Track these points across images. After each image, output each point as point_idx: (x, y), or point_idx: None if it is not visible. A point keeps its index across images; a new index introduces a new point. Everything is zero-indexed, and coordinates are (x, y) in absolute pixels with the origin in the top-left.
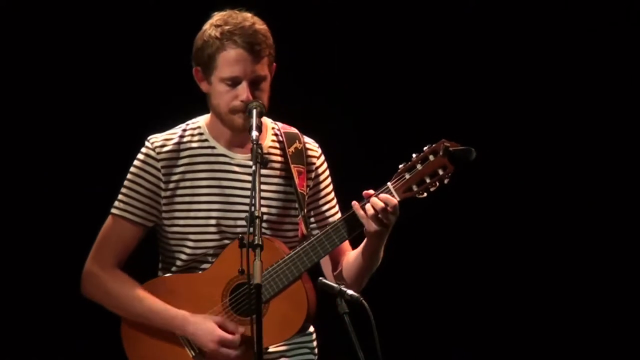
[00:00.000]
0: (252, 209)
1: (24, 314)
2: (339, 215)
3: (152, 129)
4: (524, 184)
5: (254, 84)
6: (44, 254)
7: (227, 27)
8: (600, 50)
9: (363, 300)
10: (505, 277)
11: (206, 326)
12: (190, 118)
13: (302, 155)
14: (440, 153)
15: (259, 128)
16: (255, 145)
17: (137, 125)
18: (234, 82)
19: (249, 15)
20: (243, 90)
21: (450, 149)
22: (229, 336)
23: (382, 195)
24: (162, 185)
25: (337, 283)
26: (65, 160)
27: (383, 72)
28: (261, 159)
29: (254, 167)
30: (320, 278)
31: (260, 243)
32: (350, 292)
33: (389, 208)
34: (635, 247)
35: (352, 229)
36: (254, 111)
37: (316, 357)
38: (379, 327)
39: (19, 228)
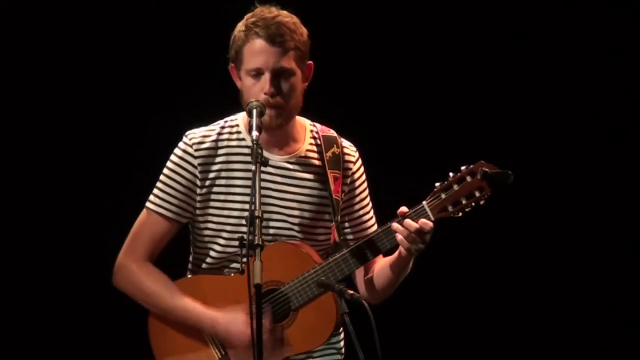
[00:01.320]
0: (253, 208)
1: (24, 313)
2: (373, 221)
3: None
4: (521, 183)
5: (278, 77)
6: (45, 254)
7: (251, 19)
8: (603, 52)
9: (363, 301)
10: (505, 277)
11: (236, 325)
12: (214, 115)
13: (339, 161)
14: (479, 176)
15: (259, 128)
16: (255, 145)
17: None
18: (257, 73)
19: (276, 9)
20: (265, 83)
21: (489, 172)
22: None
23: (421, 221)
24: (199, 183)
25: (337, 283)
26: (72, 159)
27: (414, 81)
28: (261, 159)
29: (254, 167)
30: (322, 278)
31: (260, 243)
32: (350, 292)
33: (426, 235)
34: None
35: (387, 245)
36: (254, 111)
37: (342, 356)
38: (379, 327)
39: (21, 229)
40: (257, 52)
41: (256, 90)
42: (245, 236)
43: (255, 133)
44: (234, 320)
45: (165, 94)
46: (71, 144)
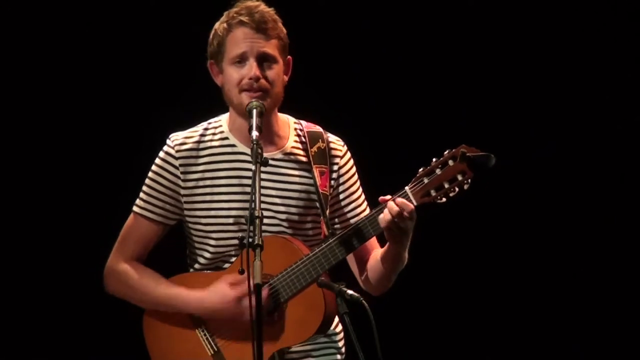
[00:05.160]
0: (253, 207)
1: (25, 313)
2: (366, 213)
3: (155, 129)
4: (522, 184)
5: (262, 63)
6: (46, 254)
7: (234, 10)
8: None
9: (363, 301)
10: (506, 278)
11: (221, 291)
12: (200, 117)
13: (325, 155)
14: (459, 159)
15: (259, 128)
16: (255, 145)
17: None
18: (241, 59)
19: (257, 1)
20: (250, 67)
21: (469, 154)
22: (243, 293)
23: (399, 200)
24: (181, 184)
25: (337, 283)
26: (73, 161)
27: (401, 75)
28: (261, 159)
29: (254, 167)
30: (322, 278)
31: (260, 243)
32: (350, 292)
33: (405, 213)
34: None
35: (371, 232)
36: (254, 111)
37: (343, 356)
38: (379, 327)
39: (21, 229)
40: (241, 39)
41: (239, 76)
42: (244, 236)
43: (255, 133)
44: (214, 296)
45: (163, 96)
46: (67, 145)
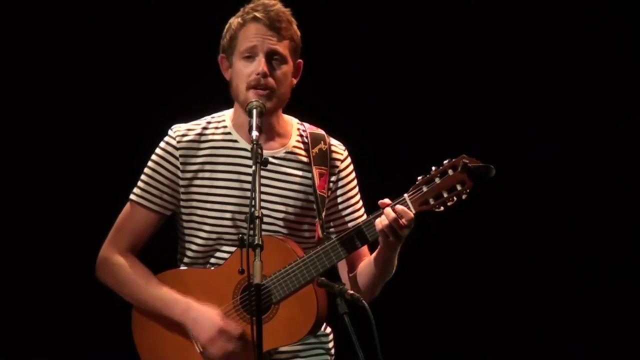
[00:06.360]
0: (252, 209)
1: (24, 312)
2: (362, 219)
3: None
4: (522, 184)
5: (272, 61)
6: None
7: (250, 6)
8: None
9: (363, 301)
10: (505, 278)
11: (209, 314)
12: (204, 112)
13: (325, 157)
14: (459, 169)
15: (259, 128)
16: (255, 145)
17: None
18: (251, 54)
19: (275, 0)
20: (259, 63)
21: (469, 165)
22: (230, 328)
23: (398, 207)
24: (180, 175)
25: (337, 283)
26: (69, 157)
27: (403, 75)
28: (261, 159)
29: (254, 167)
30: (322, 278)
31: (260, 243)
32: (350, 292)
33: (403, 221)
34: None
35: (368, 238)
36: (254, 111)
37: (332, 357)
38: (379, 327)
39: (21, 228)
40: (253, 34)
41: (248, 72)
42: (244, 235)
43: (255, 133)
44: (205, 312)
45: (161, 92)
46: (67, 143)
